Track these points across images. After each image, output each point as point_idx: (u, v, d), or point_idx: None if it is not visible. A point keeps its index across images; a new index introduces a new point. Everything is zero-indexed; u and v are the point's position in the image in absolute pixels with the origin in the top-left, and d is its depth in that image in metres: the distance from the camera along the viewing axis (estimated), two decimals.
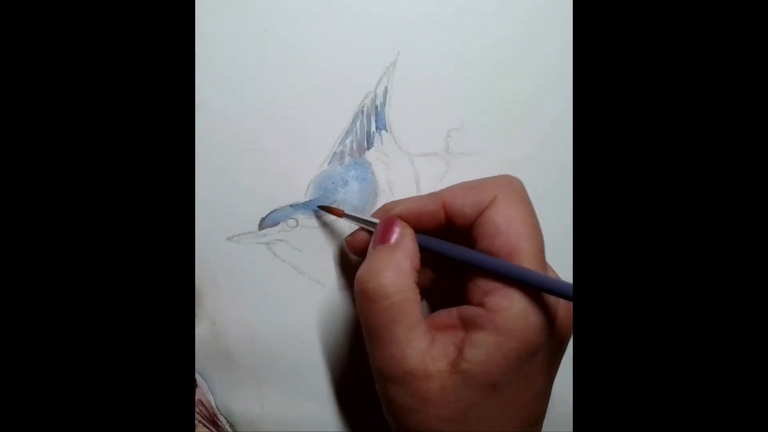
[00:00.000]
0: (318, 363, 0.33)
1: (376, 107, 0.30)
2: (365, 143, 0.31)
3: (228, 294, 0.31)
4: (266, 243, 0.31)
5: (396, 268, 0.24)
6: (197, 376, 0.32)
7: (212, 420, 0.33)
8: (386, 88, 0.30)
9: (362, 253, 0.28)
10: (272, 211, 0.31)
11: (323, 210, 0.30)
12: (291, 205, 0.31)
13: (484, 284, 0.24)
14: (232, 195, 0.30)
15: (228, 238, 0.31)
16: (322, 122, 0.30)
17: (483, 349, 0.23)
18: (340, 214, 0.29)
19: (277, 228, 0.31)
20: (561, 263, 0.28)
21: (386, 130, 0.31)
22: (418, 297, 0.25)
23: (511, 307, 0.23)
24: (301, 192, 0.31)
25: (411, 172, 0.31)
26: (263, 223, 0.31)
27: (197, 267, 0.31)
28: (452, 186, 0.27)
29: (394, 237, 0.26)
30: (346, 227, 0.31)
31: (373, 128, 0.31)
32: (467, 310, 0.25)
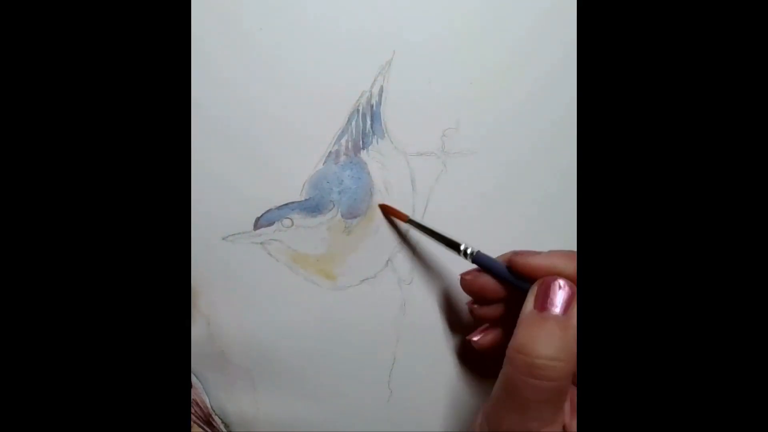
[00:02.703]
0: (313, 363, 0.32)
1: (372, 106, 0.30)
2: (361, 142, 0.31)
3: (223, 294, 0.31)
4: (261, 243, 0.31)
5: (569, 351, 0.23)
6: (192, 377, 0.32)
7: (207, 420, 0.33)
8: (382, 87, 0.30)
9: (481, 299, 0.27)
10: (267, 211, 0.31)
11: (385, 210, 0.30)
12: (286, 205, 0.31)
13: None
14: (227, 195, 0.30)
15: (223, 238, 0.31)
16: (317, 122, 0.30)
17: None
18: (405, 218, 0.29)
19: (273, 228, 0.31)
20: None
21: (382, 130, 0.31)
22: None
23: None
24: (296, 191, 0.31)
25: (406, 172, 0.31)
26: (258, 223, 0.31)
27: (192, 267, 0.31)
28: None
29: (560, 304, 0.24)
30: (342, 227, 0.31)
31: (368, 127, 0.31)
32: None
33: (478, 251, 0.27)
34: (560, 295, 0.24)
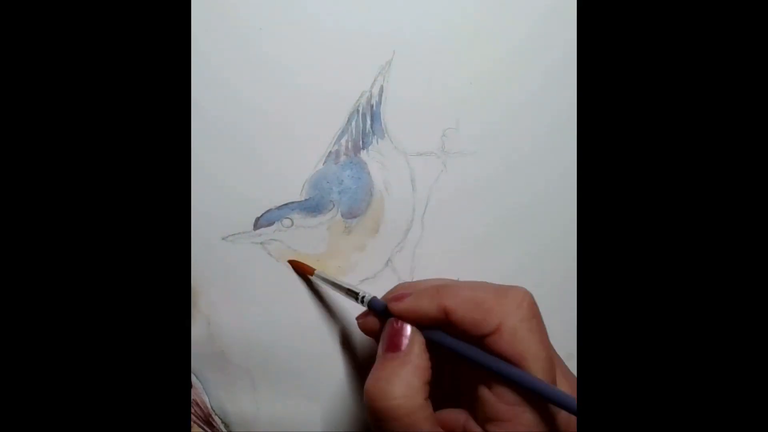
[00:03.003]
0: (313, 363, 0.32)
1: (372, 106, 0.30)
2: (361, 142, 0.31)
3: (223, 294, 0.31)
4: (261, 243, 0.31)
5: (406, 386, 0.24)
6: (192, 377, 0.32)
7: (207, 420, 0.33)
8: (382, 87, 0.30)
9: (375, 335, 0.28)
10: (267, 211, 0.31)
11: (294, 266, 0.31)
12: (286, 205, 0.31)
13: (487, 410, 0.24)
14: (227, 195, 0.30)
15: (223, 238, 0.31)
16: (317, 121, 0.30)
17: None
18: (311, 272, 0.30)
19: (272, 228, 0.31)
20: (560, 265, 0.28)
21: (382, 130, 0.31)
22: (429, 411, 0.24)
23: None
24: (296, 191, 0.31)
25: (406, 172, 0.31)
26: (258, 223, 0.31)
27: (192, 267, 0.31)
28: (457, 288, 0.25)
29: (403, 344, 0.25)
30: (342, 227, 0.31)
31: (368, 127, 0.31)
32: (473, 428, 0.24)
33: (372, 297, 0.28)
34: (403, 333, 0.25)
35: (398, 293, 0.27)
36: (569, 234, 0.32)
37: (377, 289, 0.32)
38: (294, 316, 0.32)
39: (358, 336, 0.32)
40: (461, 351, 0.25)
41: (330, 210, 0.31)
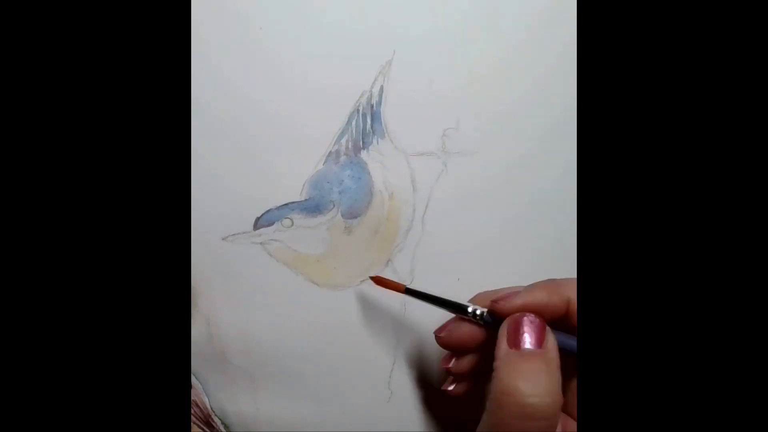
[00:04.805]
0: (313, 363, 0.32)
1: (372, 106, 0.30)
2: (361, 142, 0.31)
3: (223, 294, 0.31)
4: (261, 243, 0.31)
5: (557, 386, 0.22)
6: (192, 377, 0.32)
7: (207, 421, 0.33)
8: (382, 87, 0.30)
9: (457, 349, 0.27)
10: (267, 211, 0.31)
11: (379, 284, 0.29)
12: (286, 205, 0.30)
13: None
14: (227, 195, 0.30)
15: (223, 238, 0.31)
16: (317, 121, 0.30)
17: None
18: (401, 289, 0.28)
19: (272, 228, 0.31)
20: (560, 265, 0.28)
21: (382, 130, 0.31)
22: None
23: None
24: (296, 191, 0.31)
25: (407, 172, 0.31)
26: (258, 223, 0.31)
27: (192, 267, 0.30)
28: (575, 281, 0.25)
29: (534, 340, 0.23)
30: (342, 227, 0.31)
31: (368, 127, 0.31)
32: (571, 425, 0.24)
33: (487, 311, 0.26)
34: (531, 329, 0.23)
35: (503, 293, 0.25)
36: (569, 234, 0.32)
37: (377, 289, 0.32)
38: (294, 316, 0.32)
39: (360, 336, 0.32)
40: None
41: (330, 210, 0.31)
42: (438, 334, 0.27)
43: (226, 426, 0.33)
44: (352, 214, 0.31)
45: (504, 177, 0.32)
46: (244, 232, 0.31)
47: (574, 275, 0.32)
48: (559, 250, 0.33)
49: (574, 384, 0.24)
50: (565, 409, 0.25)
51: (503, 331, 0.24)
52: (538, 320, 0.24)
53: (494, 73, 0.31)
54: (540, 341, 0.23)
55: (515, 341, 0.23)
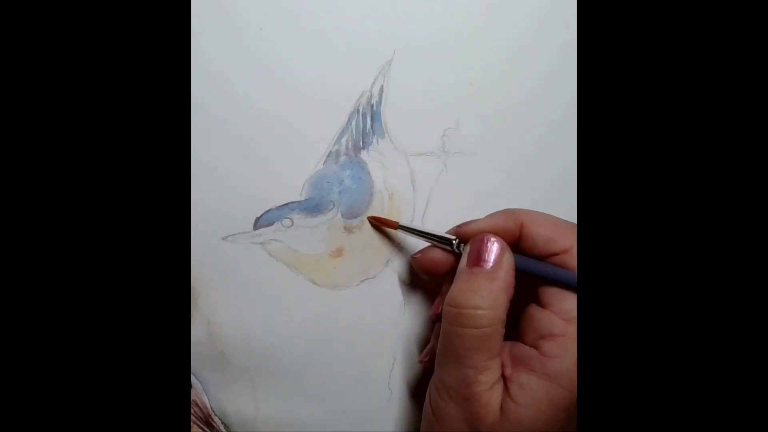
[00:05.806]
0: (313, 363, 0.32)
1: (372, 106, 0.30)
2: (361, 142, 0.31)
3: (223, 294, 0.31)
4: (261, 243, 0.31)
5: (494, 300, 0.25)
6: (191, 377, 0.32)
7: (207, 421, 0.33)
8: (382, 87, 0.30)
9: (434, 273, 0.29)
10: (267, 211, 0.31)
11: (375, 222, 0.31)
12: (286, 205, 0.30)
13: (541, 327, 0.25)
14: (227, 194, 0.30)
15: (223, 238, 0.31)
16: (317, 121, 0.30)
17: (531, 392, 0.24)
18: (395, 226, 0.30)
19: (272, 228, 0.31)
20: None
21: (382, 130, 0.31)
22: (503, 330, 0.25)
23: (565, 356, 0.24)
24: (296, 191, 0.31)
25: (407, 172, 0.31)
26: (258, 223, 0.31)
27: (192, 267, 0.30)
28: (532, 211, 0.27)
29: (492, 259, 0.26)
30: (342, 227, 0.31)
31: (368, 127, 0.31)
32: (519, 348, 0.25)
33: (458, 241, 0.28)
34: (492, 250, 0.26)
35: (469, 221, 0.28)
36: None
37: (377, 289, 0.32)
38: (294, 316, 0.32)
39: (360, 336, 0.32)
40: (534, 267, 0.26)
41: (330, 210, 0.31)
42: (414, 255, 0.30)
43: (226, 426, 0.33)
44: (352, 214, 0.31)
45: (504, 177, 0.32)
46: (244, 232, 0.31)
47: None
48: None
49: (530, 310, 0.26)
50: (519, 337, 0.26)
51: (466, 250, 0.27)
52: (497, 242, 0.26)
53: (494, 73, 0.31)
54: (479, 258, 0.26)
55: (474, 260, 0.26)
